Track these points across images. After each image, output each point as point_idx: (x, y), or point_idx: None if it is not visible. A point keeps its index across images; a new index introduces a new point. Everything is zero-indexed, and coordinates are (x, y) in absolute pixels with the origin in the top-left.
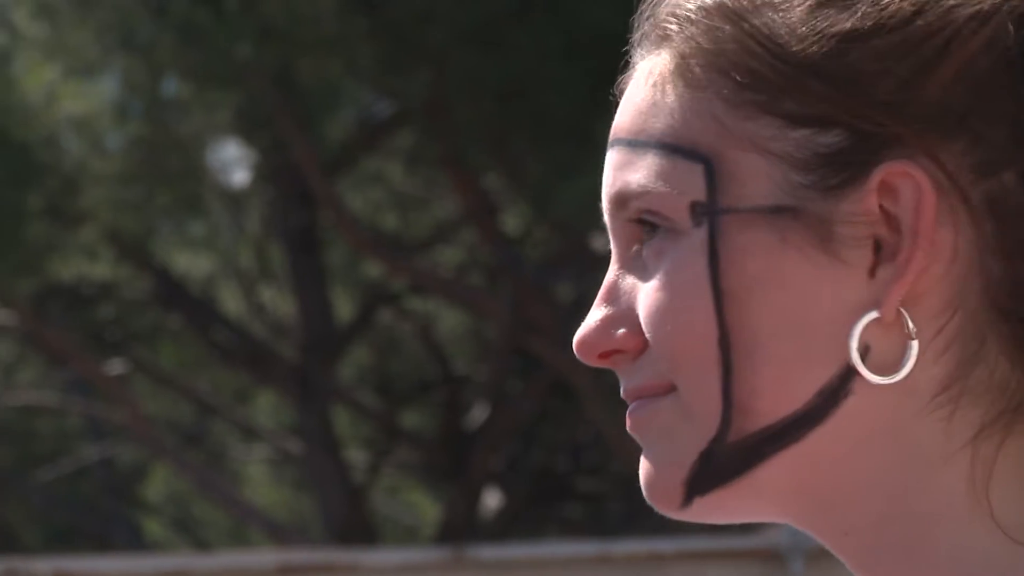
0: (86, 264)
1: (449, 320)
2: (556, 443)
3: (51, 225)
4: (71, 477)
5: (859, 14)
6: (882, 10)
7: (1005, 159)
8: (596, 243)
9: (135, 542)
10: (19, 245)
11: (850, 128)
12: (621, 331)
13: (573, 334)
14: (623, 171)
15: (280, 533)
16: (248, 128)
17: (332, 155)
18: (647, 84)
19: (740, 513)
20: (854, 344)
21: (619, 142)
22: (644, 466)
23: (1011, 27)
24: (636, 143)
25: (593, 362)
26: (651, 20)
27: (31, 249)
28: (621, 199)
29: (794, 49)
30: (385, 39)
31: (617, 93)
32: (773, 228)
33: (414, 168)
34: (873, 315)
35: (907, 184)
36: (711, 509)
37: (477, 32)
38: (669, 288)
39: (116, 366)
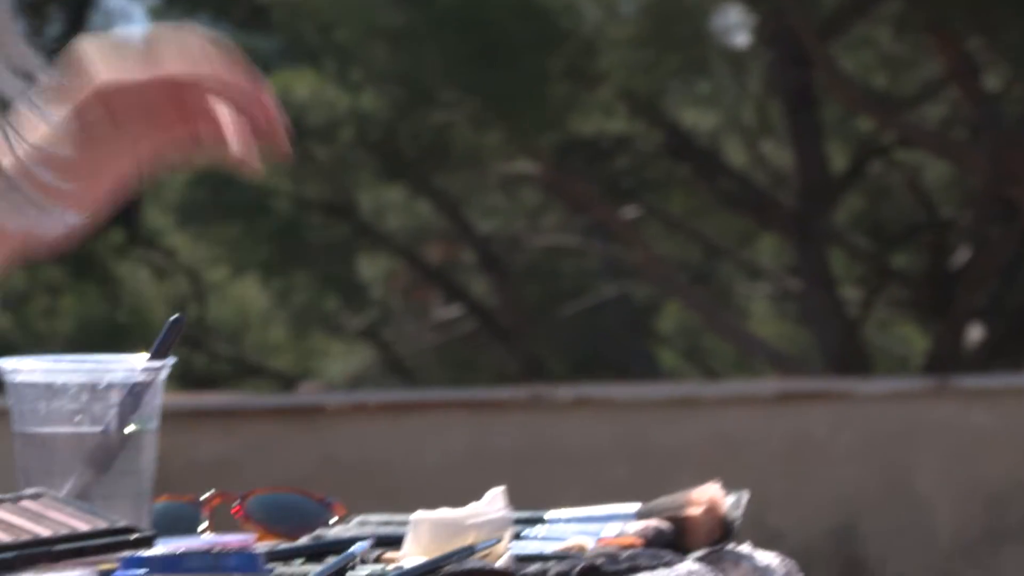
0: (603, 120)
1: (935, 170)
2: None
3: (571, 85)
4: (591, 312)
5: None
6: None
7: None
8: None
9: (650, 371)
10: (542, 103)
11: None
12: None
13: None
14: None
15: (781, 362)
16: None
17: (826, 20)
18: None
19: None
20: None
21: None
22: None
23: None
24: None
25: None
26: None
27: (553, 107)
28: None
29: None
30: None
31: None
32: None
33: (901, 32)
34: None
35: None
36: None
37: None
38: None
39: (631, 212)
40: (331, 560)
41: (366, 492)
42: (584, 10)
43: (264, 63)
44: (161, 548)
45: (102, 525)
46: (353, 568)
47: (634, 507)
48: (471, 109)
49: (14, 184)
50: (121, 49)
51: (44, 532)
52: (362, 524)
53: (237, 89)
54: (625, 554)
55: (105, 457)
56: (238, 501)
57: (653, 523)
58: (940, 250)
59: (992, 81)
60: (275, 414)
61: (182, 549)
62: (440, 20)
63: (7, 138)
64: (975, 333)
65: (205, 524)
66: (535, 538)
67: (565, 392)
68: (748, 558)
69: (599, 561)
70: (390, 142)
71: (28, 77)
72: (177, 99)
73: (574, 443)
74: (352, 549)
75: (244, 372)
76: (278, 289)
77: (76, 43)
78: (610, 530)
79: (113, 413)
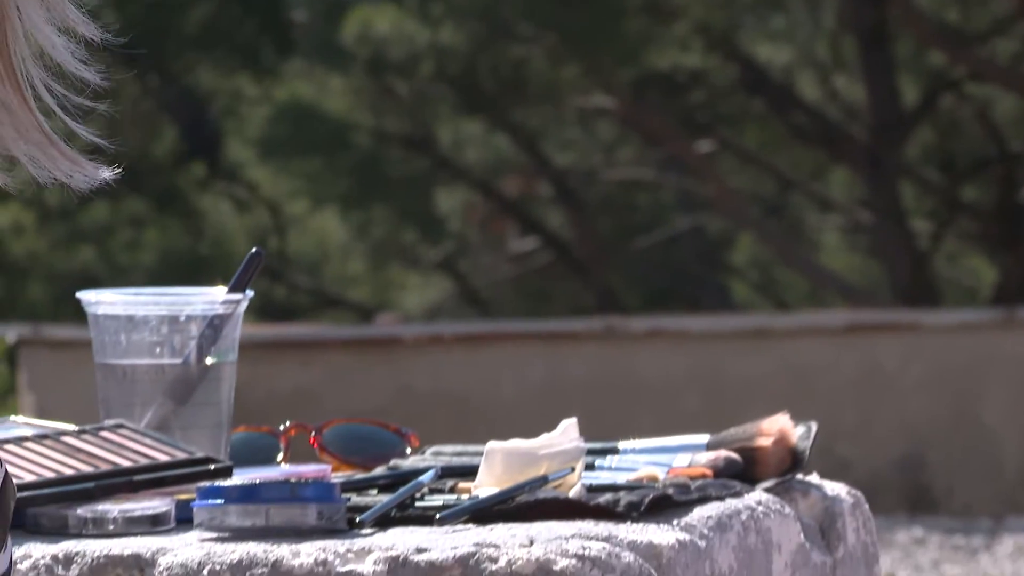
0: (679, 54)
1: (1005, 104)
2: None
3: (647, 20)
4: (665, 244)
5: None
6: None
7: None
8: None
9: (723, 303)
10: (619, 38)
11: None
12: None
13: None
14: None
15: (851, 294)
16: None
17: None
18: None
19: None
20: None
21: None
22: None
23: None
24: None
25: None
26: None
27: (630, 42)
28: None
29: None
30: None
31: None
32: None
33: None
34: None
35: None
36: None
37: None
38: None
39: (705, 145)
40: (402, 490)
41: (442, 422)
42: None
43: None
44: (239, 478)
45: (181, 456)
46: (424, 498)
47: (704, 438)
48: (549, 43)
49: (52, 139)
50: None
51: (124, 463)
52: (436, 455)
53: None
54: (695, 484)
55: (184, 389)
56: (315, 432)
57: (723, 454)
58: (1009, 183)
59: None
60: (353, 345)
61: (259, 479)
62: None
63: (46, 92)
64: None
65: (282, 455)
66: (608, 468)
67: (638, 324)
68: (816, 488)
69: (669, 491)
70: (469, 76)
71: (70, 33)
72: None
73: (647, 374)
74: (420, 479)
75: (323, 304)
76: (357, 222)
77: None
78: (681, 461)
79: (193, 345)
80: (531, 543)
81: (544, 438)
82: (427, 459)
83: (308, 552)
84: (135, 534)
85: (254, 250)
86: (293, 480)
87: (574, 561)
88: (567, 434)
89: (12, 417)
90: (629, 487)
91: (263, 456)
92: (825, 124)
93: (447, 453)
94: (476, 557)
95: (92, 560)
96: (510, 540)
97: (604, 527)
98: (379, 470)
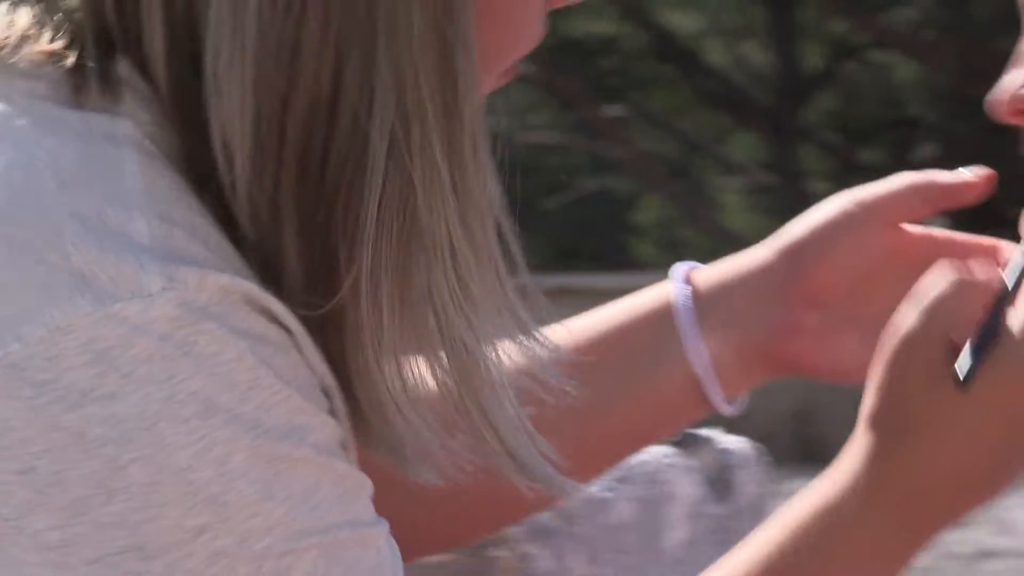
0: (592, 22)
1: (904, 70)
2: (1000, 178)
3: None
4: (574, 205)
5: None
6: None
7: None
8: None
9: (627, 262)
10: None
11: None
12: None
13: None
14: None
15: None
16: None
17: None
18: None
19: None
20: None
21: None
22: None
23: None
24: None
25: (1006, 119)
26: None
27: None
28: None
29: None
30: None
31: None
32: None
33: None
34: None
35: None
36: None
37: None
38: None
39: (615, 110)
40: None
41: None
42: None
43: None
44: None
45: None
46: None
47: None
48: None
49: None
50: None
51: None
52: None
53: None
54: None
55: None
56: None
57: None
58: (905, 146)
59: None
60: None
61: None
62: None
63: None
64: (938, 225)
65: None
66: None
67: (548, 282)
68: (715, 441)
69: None
70: None
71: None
72: None
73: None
74: None
75: None
76: None
77: None
78: None
79: None
80: None
81: None
82: None
83: None
84: None
85: None
86: None
87: None
88: None
89: None
90: None
91: None
92: (731, 89)
93: None
94: None
95: None
96: None
97: None
98: None
